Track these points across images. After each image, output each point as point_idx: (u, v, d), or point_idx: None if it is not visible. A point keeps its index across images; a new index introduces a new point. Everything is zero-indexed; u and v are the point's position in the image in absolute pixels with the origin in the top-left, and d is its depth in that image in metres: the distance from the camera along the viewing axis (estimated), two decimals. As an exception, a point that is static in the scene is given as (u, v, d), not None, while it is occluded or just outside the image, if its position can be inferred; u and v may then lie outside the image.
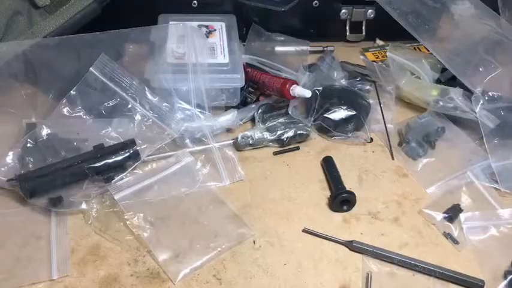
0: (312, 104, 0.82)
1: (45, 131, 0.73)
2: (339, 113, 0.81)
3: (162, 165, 0.75)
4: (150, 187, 0.71)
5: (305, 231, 0.67)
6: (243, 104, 0.86)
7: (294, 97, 0.80)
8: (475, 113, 0.79)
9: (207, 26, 0.90)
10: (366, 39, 1.06)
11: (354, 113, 0.81)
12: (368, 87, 0.88)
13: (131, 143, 0.72)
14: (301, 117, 0.82)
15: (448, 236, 0.68)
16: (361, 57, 1.01)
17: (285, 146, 0.80)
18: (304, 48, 0.97)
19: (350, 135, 0.82)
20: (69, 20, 0.78)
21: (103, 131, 0.75)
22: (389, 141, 0.82)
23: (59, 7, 0.78)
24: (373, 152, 0.81)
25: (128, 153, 0.71)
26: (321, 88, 0.83)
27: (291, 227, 0.68)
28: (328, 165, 0.77)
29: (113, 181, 0.70)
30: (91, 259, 0.63)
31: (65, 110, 0.75)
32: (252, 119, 0.83)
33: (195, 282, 0.61)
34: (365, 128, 0.82)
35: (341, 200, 0.70)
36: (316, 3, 0.99)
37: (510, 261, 0.64)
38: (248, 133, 0.79)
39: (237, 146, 0.79)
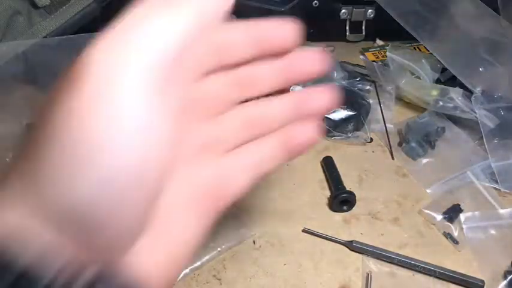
0: (312, 104, 0.81)
1: (45, 131, 0.73)
2: (339, 113, 0.80)
3: (162, 165, 0.75)
4: (150, 187, 0.71)
5: (305, 231, 0.67)
6: (243, 104, 0.85)
7: (294, 97, 0.80)
8: (475, 113, 0.78)
9: (207, 26, 0.90)
10: (366, 39, 1.05)
11: (353, 113, 0.81)
12: (368, 87, 0.88)
13: (131, 143, 0.72)
14: (301, 117, 0.82)
15: (448, 236, 0.68)
16: (361, 57, 1.00)
17: (285, 146, 0.80)
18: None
19: (350, 135, 0.82)
20: (69, 20, 0.78)
21: (103, 131, 0.75)
22: (389, 141, 0.82)
23: (59, 7, 0.78)
24: (373, 152, 0.81)
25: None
26: (320, 88, 0.83)
27: (291, 227, 0.68)
28: (328, 165, 0.77)
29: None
30: (91, 259, 0.62)
31: (65, 110, 0.75)
32: (252, 119, 0.83)
33: (195, 282, 0.61)
34: (365, 128, 0.82)
35: (341, 200, 0.70)
36: (316, 3, 0.98)
37: (510, 261, 0.64)
38: (248, 133, 0.79)
39: (237, 146, 0.78)
